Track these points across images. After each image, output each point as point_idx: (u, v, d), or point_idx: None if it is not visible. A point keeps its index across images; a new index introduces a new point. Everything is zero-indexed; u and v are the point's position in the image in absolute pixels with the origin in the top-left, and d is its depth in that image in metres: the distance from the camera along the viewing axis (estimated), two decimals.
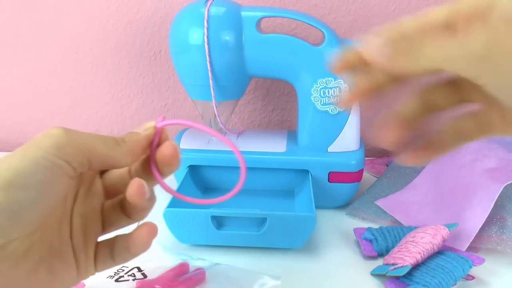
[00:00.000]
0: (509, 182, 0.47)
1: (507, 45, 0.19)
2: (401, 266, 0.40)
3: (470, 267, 0.41)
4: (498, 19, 0.19)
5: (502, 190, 0.46)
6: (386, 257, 0.43)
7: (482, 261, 0.42)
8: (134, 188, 0.29)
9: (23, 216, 0.24)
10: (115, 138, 0.29)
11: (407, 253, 0.41)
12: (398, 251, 0.42)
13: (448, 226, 0.45)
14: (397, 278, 0.41)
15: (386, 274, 0.41)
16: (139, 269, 0.40)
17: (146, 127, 0.30)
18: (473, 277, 0.42)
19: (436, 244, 0.42)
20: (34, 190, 0.24)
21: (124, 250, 0.31)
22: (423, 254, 0.41)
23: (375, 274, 0.43)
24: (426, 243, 0.42)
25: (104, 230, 0.32)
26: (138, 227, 0.32)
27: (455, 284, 0.40)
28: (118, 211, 0.32)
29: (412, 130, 0.25)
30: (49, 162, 0.25)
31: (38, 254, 0.26)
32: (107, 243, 0.32)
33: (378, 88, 0.25)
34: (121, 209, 0.32)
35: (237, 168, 0.57)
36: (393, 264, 0.41)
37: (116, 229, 0.33)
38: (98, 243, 0.31)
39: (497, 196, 0.46)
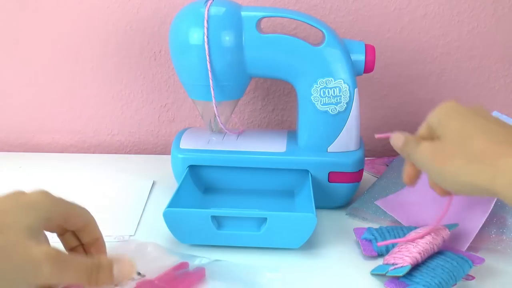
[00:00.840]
0: None
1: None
2: (401, 266, 0.40)
3: (470, 267, 0.41)
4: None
5: None
6: (386, 257, 0.43)
7: (482, 261, 0.42)
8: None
9: None
10: (92, 266, 0.31)
11: (407, 253, 0.41)
12: (398, 251, 0.42)
13: (449, 226, 0.45)
14: (397, 278, 0.41)
15: (386, 274, 0.41)
16: (139, 273, 0.40)
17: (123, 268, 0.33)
18: (473, 277, 0.42)
19: (436, 244, 0.42)
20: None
21: None
22: (423, 254, 0.41)
23: (375, 274, 0.43)
24: (426, 243, 0.42)
25: None
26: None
27: (455, 284, 0.40)
28: None
29: None
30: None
31: None
32: None
33: None
34: None
35: (237, 168, 0.57)
36: (393, 264, 0.41)
37: None
38: None
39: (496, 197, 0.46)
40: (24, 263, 0.28)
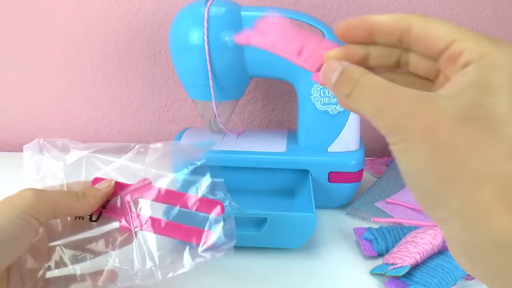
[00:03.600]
0: None
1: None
2: (401, 266, 0.40)
3: None
4: None
5: None
6: (386, 256, 0.43)
7: None
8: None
9: None
10: (77, 193, 0.35)
11: (407, 253, 0.41)
12: (398, 251, 0.42)
13: None
14: (397, 278, 0.41)
15: (385, 274, 0.41)
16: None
17: (106, 184, 0.37)
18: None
19: (436, 245, 0.42)
20: (8, 243, 0.30)
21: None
22: (423, 255, 0.41)
23: (375, 273, 0.43)
24: (426, 243, 0.42)
25: None
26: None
27: (455, 284, 0.40)
28: None
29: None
30: (22, 220, 0.31)
31: None
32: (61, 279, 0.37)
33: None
34: None
35: (237, 168, 0.57)
36: (392, 264, 0.41)
37: None
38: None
39: None
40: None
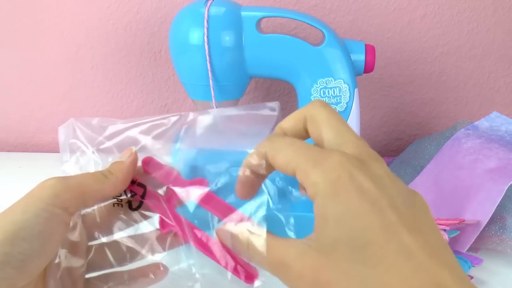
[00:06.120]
0: (510, 183, 0.47)
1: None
2: None
3: (469, 267, 0.41)
4: None
5: None
6: None
7: (480, 261, 0.42)
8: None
9: (28, 266, 0.26)
10: (103, 172, 0.31)
11: None
12: None
13: (449, 232, 0.45)
14: None
15: None
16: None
17: (128, 154, 0.32)
18: (471, 277, 0.42)
19: None
20: (37, 240, 0.27)
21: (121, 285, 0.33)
22: None
23: None
24: None
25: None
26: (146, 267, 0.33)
27: None
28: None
29: None
30: (48, 213, 0.27)
31: None
32: (101, 278, 0.33)
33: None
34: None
35: (237, 168, 0.56)
36: None
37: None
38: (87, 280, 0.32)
39: (499, 200, 0.46)
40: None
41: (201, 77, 0.51)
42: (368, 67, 0.53)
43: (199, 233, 0.32)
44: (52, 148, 0.74)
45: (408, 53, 0.69)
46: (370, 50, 0.52)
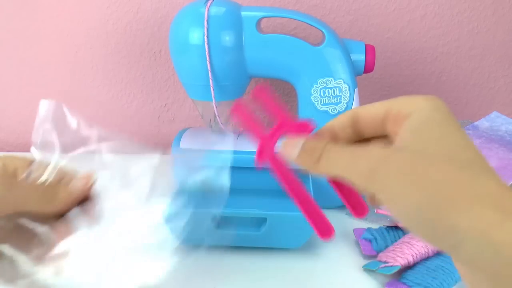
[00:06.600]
0: (510, 183, 0.47)
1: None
2: (391, 266, 0.41)
3: None
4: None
5: None
6: (381, 254, 0.43)
7: None
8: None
9: None
10: (46, 193, 0.31)
11: (400, 254, 0.42)
12: (393, 250, 0.43)
13: None
14: (398, 279, 0.41)
15: (376, 271, 0.41)
16: None
17: (83, 183, 0.33)
18: None
19: (431, 249, 0.42)
20: None
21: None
22: (416, 257, 0.41)
23: (367, 269, 0.43)
24: (422, 246, 0.42)
25: None
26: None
27: (456, 284, 0.40)
28: None
29: None
30: None
31: None
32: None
33: None
34: None
35: (237, 168, 0.57)
36: (384, 262, 0.41)
37: None
38: None
39: None
40: None
41: (201, 77, 0.51)
42: (368, 67, 0.53)
43: (292, 174, 0.30)
44: None
45: (408, 53, 0.69)
46: (370, 50, 0.52)
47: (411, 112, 0.23)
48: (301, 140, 0.26)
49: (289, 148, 0.26)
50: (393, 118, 0.24)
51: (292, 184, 0.30)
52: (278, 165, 0.29)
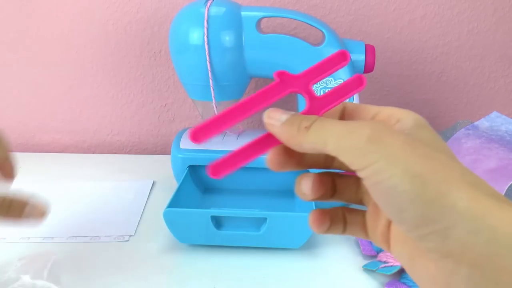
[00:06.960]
0: (510, 183, 0.47)
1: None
2: (391, 266, 0.41)
3: None
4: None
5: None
6: (381, 254, 0.43)
7: None
8: None
9: None
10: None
11: None
12: None
13: None
14: (398, 279, 0.41)
15: (376, 271, 0.41)
16: None
17: (37, 211, 0.37)
18: None
19: None
20: None
21: None
22: None
23: (367, 269, 0.43)
24: None
25: None
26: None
27: None
28: None
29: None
30: None
31: None
32: None
33: None
34: None
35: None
36: (384, 262, 0.41)
37: None
38: None
39: None
40: None
41: (201, 77, 0.51)
42: (368, 67, 0.53)
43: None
44: (52, 148, 0.74)
45: (408, 53, 0.69)
46: (370, 50, 0.52)
47: (402, 118, 0.24)
48: (290, 112, 0.25)
49: (277, 114, 0.25)
50: (384, 119, 0.24)
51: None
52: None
